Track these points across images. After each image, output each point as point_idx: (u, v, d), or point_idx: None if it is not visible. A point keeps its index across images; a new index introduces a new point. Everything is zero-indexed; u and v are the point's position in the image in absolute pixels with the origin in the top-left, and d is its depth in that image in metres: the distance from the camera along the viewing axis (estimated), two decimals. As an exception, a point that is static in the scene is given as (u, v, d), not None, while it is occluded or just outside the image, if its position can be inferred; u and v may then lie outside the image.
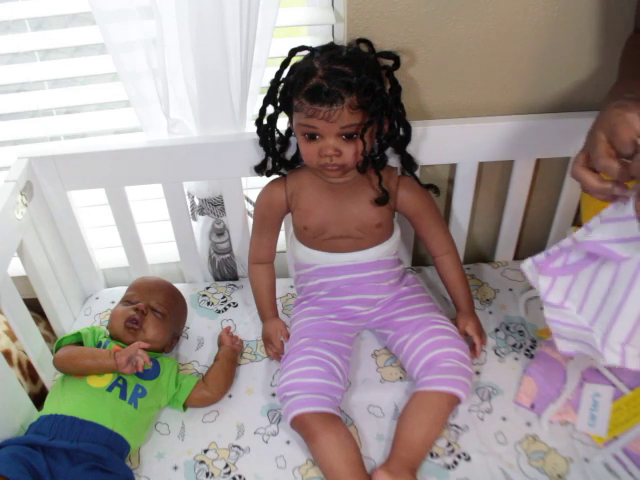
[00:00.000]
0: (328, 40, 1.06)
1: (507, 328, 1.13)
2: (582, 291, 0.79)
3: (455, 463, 0.92)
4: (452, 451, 0.93)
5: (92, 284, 1.27)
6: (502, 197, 1.22)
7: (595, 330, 0.78)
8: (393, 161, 1.07)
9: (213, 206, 1.19)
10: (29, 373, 1.11)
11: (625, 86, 0.80)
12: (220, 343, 1.11)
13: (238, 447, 0.96)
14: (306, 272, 1.09)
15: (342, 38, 1.04)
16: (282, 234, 1.14)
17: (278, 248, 1.13)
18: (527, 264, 0.83)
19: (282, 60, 0.96)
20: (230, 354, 1.07)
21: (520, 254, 1.34)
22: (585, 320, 0.80)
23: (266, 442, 0.97)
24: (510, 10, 1.01)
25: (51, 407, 0.92)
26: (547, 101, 1.12)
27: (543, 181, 1.22)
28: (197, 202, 1.20)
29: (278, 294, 1.17)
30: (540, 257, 0.82)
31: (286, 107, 0.98)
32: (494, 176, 1.21)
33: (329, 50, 0.93)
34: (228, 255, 1.27)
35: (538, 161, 1.17)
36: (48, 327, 1.19)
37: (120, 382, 0.95)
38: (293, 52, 0.96)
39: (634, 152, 0.63)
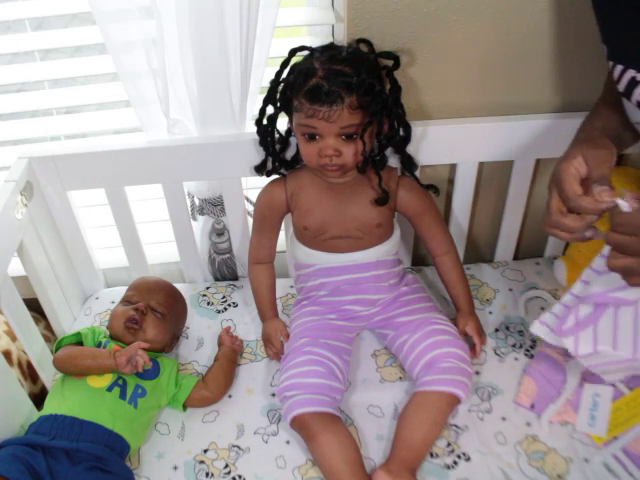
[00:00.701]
0: (328, 40, 1.06)
1: (507, 328, 1.13)
2: (610, 334, 0.83)
3: (455, 463, 0.92)
4: (452, 451, 0.93)
5: (92, 284, 1.27)
6: (502, 197, 1.22)
7: None
8: (393, 161, 1.07)
9: (213, 206, 1.19)
10: (29, 373, 1.11)
11: (584, 124, 0.86)
12: (220, 343, 1.11)
13: (238, 447, 0.96)
14: (306, 272, 1.09)
15: (342, 38, 1.04)
16: (282, 234, 1.14)
17: (278, 248, 1.13)
18: (539, 329, 0.88)
19: (282, 60, 0.96)
20: (230, 354, 1.07)
21: (520, 254, 1.34)
22: (626, 353, 0.84)
23: (266, 442, 0.97)
24: (510, 10, 1.01)
25: (51, 407, 0.92)
26: (547, 101, 1.12)
27: (543, 181, 1.22)
28: (197, 202, 1.20)
29: (278, 294, 1.17)
30: (548, 317, 0.88)
31: (286, 107, 0.98)
32: (494, 176, 1.21)
33: (329, 50, 0.93)
34: (228, 255, 1.27)
35: (538, 161, 1.17)
36: (48, 327, 1.19)
37: (120, 382, 0.95)
38: (293, 52, 0.96)
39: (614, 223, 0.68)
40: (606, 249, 0.78)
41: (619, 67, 0.77)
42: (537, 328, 0.89)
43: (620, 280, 0.74)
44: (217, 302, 1.24)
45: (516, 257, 1.33)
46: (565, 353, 0.94)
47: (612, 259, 0.68)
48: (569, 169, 0.73)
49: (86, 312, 1.23)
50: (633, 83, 0.75)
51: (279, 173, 1.07)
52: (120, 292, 1.16)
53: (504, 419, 0.98)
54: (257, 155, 1.08)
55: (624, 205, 0.67)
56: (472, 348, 1.04)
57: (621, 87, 0.78)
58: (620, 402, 0.94)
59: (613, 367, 0.88)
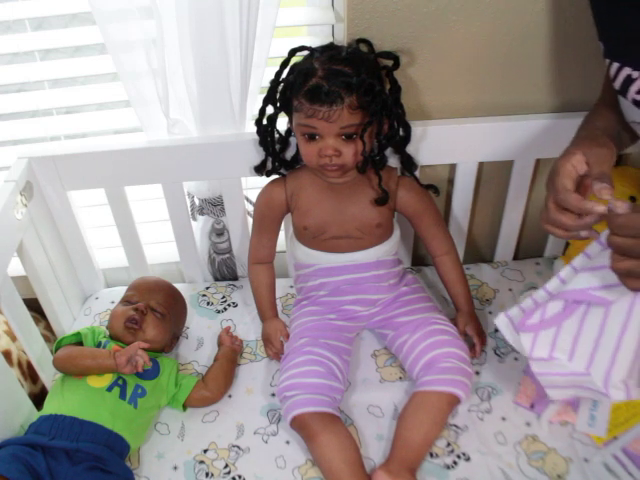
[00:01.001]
0: (328, 40, 1.06)
1: (507, 328, 1.13)
2: (570, 339, 0.82)
3: (455, 463, 0.92)
4: (452, 451, 0.93)
5: (92, 284, 1.27)
6: (502, 197, 1.22)
7: (594, 373, 0.81)
8: (393, 161, 1.07)
9: (213, 206, 1.19)
10: (29, 373, 1.11)
11: (585, 122, 0.86)
12: (220, 343, 1.11)
13: (238, 447, 0.96)
14: (306, 272, 1.09)
15: (342, 38, 1.04)
16: (282, 234, 1.14)
17: (278, 248, 1.13)
18: (502, 321, 0.85)
19: (282, 60, 0.96)
20: (230, 354, 1.07)
21: (520, 254, 1.34)
22: (579, 366, 0.82)
23: (266, 442, 0.97)
24: (509, 10, 1.01)
25: (51, 407, 0.92)
26: (547, 101, 1.12)
27: (543, 181, 1.22)
28: (197, 202, 1.20)
29: (278, 294, 1.17)
30: (514, 312, 0.84)
31: (286, 107, 0.98)
32: (494, 176, 1.21)
33: (329, 50, 0.94)
34: (228, 255, 1.27)
35: (538, 161, 1.17)
36: (48, 327, 1.19)
37: (120, 382, 0.95)
38: (293, 52, 0.96)
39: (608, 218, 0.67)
40: (590, 248, 0.77)
41: (615, 65, 0.78)
42: (500, 321, 0.85)
43: (602, 280, 0.75)
44: (217, 302, 1.24)
45: (516, 257, 1.33)
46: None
47: (615, 262, 0.68)
48: (566, 166, 0.74)
49: (86, 312, 1.23)
50: (629, 81, 0.76)
51: (279, 173, 1.07)
52: (120, 292, 1.16)
53: (504, 419, 0.98)
54: (257, 155, 1.08)
55: (621, 206, 0.66)
56: (472, 348, 1.05)
57: (617, 85, 0.78)
58: (620, 402, 0.94)
59: (561, 380, 0.85)
